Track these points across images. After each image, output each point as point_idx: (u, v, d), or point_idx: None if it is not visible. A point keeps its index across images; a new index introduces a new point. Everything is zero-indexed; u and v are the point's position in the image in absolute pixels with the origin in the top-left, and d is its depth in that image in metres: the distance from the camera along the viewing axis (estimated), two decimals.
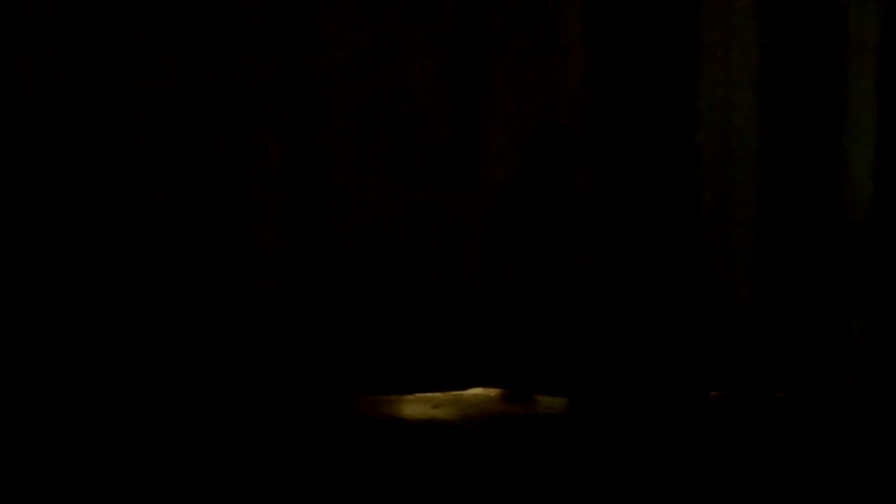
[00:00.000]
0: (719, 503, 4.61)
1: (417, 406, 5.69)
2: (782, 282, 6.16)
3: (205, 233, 5.65)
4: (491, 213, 5.89)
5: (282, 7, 5.76)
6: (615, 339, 5.95)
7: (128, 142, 5.65)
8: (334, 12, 5.80)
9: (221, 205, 5.67)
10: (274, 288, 5.70)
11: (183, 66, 5.68)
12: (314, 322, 5.75)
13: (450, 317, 5.87)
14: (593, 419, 5.68)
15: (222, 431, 5.23)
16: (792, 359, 6.13)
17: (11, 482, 4.37)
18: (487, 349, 5.89)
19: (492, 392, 5.86)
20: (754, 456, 5.13)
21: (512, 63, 5.89)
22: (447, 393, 5.87)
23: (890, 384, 6.14)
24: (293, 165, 5.78)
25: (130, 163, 5.65)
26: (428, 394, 5.88)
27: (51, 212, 5.62)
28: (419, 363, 5.83)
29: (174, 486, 4.49)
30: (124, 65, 5.63)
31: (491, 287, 5.91)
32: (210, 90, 5.71)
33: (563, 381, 5.92)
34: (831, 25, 6.25)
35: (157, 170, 5.66)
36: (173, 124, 5.67)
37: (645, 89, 5.97)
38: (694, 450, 5.15)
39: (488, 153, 5.93)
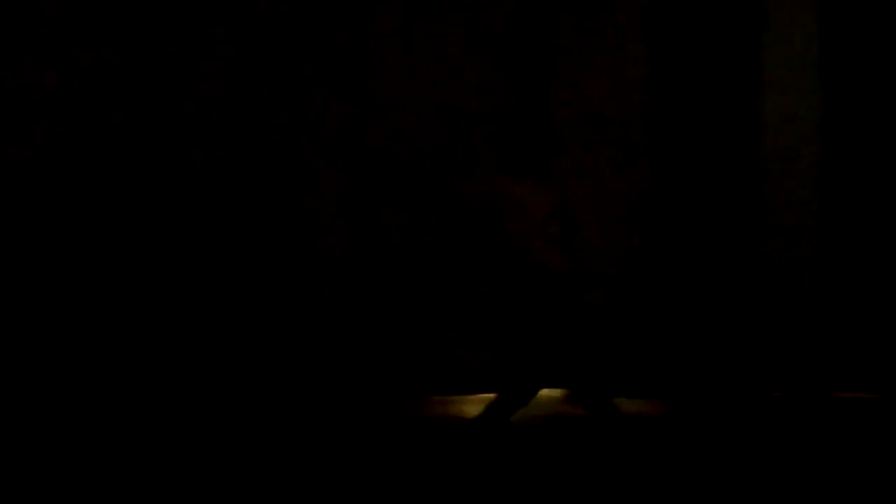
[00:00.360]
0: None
1: (482, 407, 5.62)
2: (847, 284, 6.11)
3: (274, 241, 5.65)
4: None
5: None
6: (680, 341, 5.92)
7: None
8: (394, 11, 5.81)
9: (291, 208, 5.66)
10: (340, 291, 5.70)
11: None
12: (380, 325, 5.74)
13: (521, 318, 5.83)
14: (658, 419, 5.63)
15: (299, 429, 5.19)
16: (858, 360, 6.07)
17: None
18: (556, 350, 5.84)
19: (555, 392, 5.81)
20: (819, 455, 5.08)
21: (575, 63, 5.88)
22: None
23: None
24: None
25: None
26: (493, 395, 5.81)
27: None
28: (482, 364, 5.80)
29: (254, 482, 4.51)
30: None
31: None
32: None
33: (624, 381, 5.88)
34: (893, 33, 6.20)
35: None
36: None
37: (708, 94, 5.94)
38: (760, 449, 5.11)
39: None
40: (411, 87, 6.00)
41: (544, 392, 5.62)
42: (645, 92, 5.84)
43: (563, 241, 4.56)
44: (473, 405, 5.70)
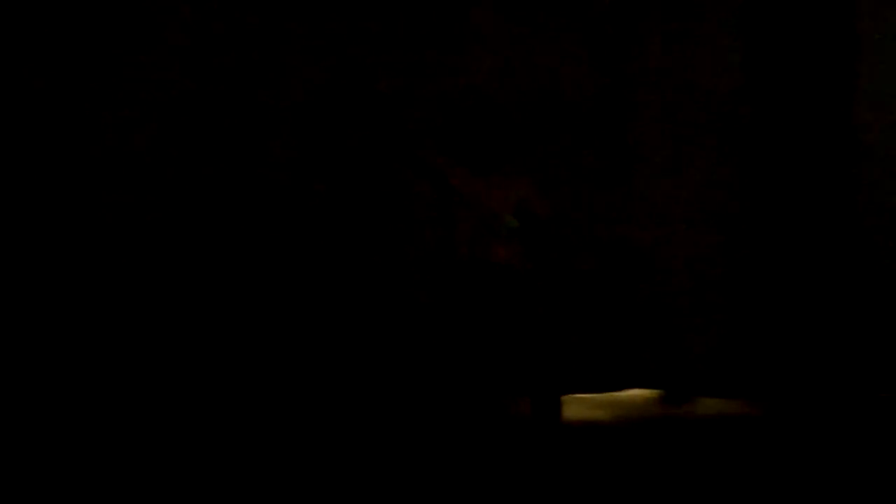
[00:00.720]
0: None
1: (576, 407, 5.67)
2: None
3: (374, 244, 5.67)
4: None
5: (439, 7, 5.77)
6: (782, 341, 5.88)
7: None
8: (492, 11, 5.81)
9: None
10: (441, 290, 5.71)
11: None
12: (476, 325, 5.75)
13: (607, 318, 5.86)
14: (756, 420, 5.61)
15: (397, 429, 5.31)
16: None
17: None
18: (646, 351, 5.86)
19: (650, 393, 5.83)
20: None
21: (665, 61, 5.86)
22: (606, 394, 5.84)
23: None
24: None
25: None
26: (586, 395, 5.85)
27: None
28: (577, 364, 5.82)
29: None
30: None
31: (647, 287, 5.89)
32: None
33: (721, 382, 5.87)
34: None
35: None
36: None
37: (802, 91, 5.90)
38: (863, 451, 5.07)
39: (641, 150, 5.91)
40: (505, 64, 5.95)
41: (638, 393, 5.63)
42: (737, 90, 5.78)
43: (517, 237, 4.57)
44: (571, 405, 5.72)
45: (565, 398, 5.83)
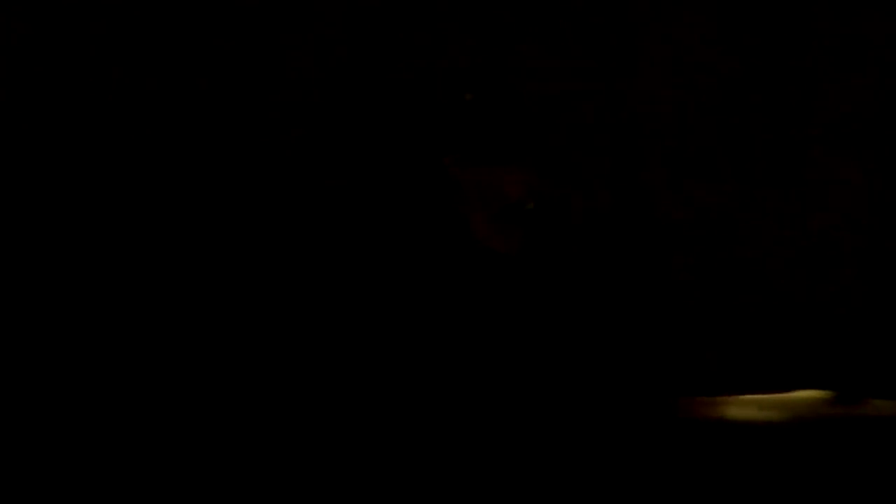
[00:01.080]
0: None
1: (743, 408, 5.63)
2: None
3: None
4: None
5: None
6: None
7: None
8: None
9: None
10: (605, 287, 5.86)
11: None
12: (641, 322, 5.86)
13: (776, 317, 5.77)
14: None
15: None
16: None
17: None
18: (816, 349, 5.71)
19: (820, 394, 5.61)
20: None
21: (829, 69, 5.63)
22: (774, 395, 5.73)
23: None
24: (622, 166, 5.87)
25: None
26: (753, 395, 5.78)
27: None
28: (744, 364, 5.75)
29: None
30: None
31: (817, 285, 5.73)
32: None
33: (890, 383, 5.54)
34: None
35: None
36: None
37: None
38: None
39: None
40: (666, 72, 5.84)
41: (809, 393, 5.60)
42: None
43: (523, 226, 4.52)
44: (737, 406, 5.59)
45: (732, 399, 5.68)
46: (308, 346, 5.68)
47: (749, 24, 5.73)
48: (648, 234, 5.81)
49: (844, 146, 5.57)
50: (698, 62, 5.75)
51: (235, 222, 5.88)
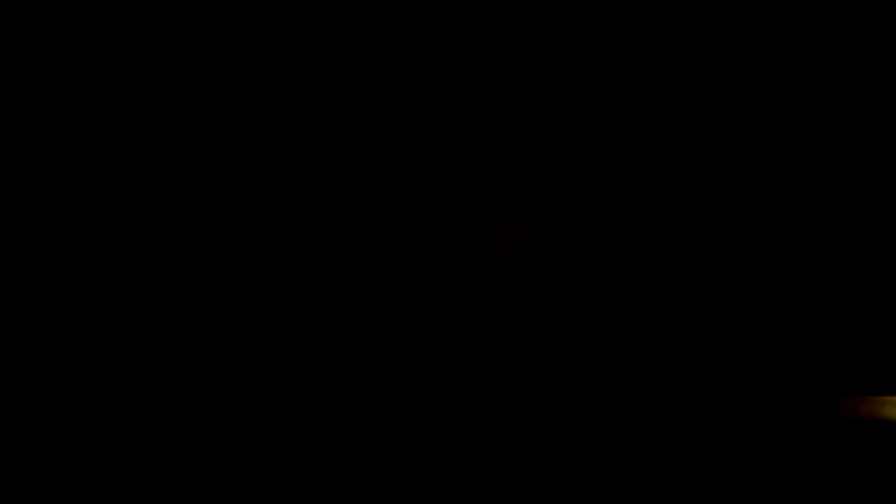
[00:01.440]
0: None
1: None
2: None
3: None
4: None
5: None
6: None
7: None
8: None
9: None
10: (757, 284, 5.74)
11: None
12: (798, 320, 5.73)
13: None
14: None
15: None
16: None
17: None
18: None
19: None
20: None
21: None
22: None
23: None
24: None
25: None
26: None
27: None
28: None
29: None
30: None
31: None
32: None
33: None
34: None
35: None
36: None
37: None
38: None
39: None
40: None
41: None
42: None
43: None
44: (890, 406, 5.46)
45: (885, 399, 5.47)
46: (311, 346, 5.54)
47: None
48: (795, 229, 5.66)
49: None
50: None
51: (240, 225, 5.75)
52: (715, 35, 5.69)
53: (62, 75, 5.67)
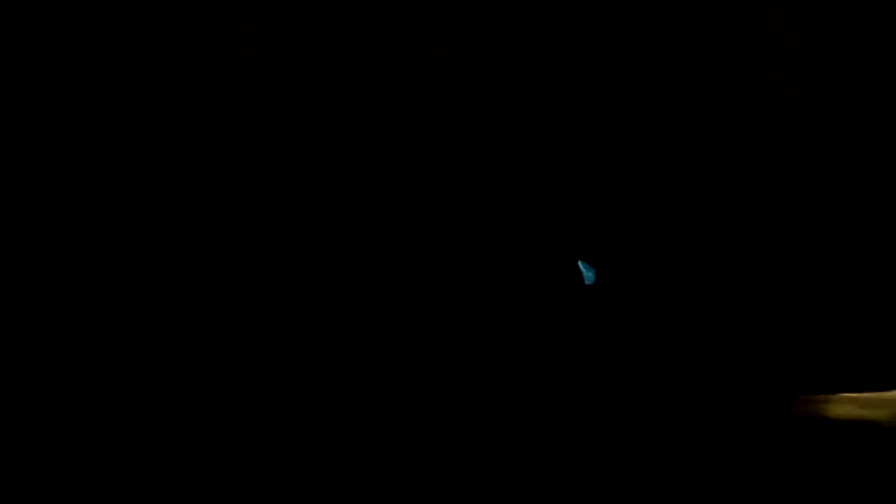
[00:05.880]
0: None
1: (845, 406, 5.54)
2: None
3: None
4: None
5: None
6: None
7: None
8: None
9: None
10: (712, 289, 5.75)
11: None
12: (748, 323, 5.79)
13: (878, 315, 5.67)
14: None
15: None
16: None
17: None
18: None
19: None
20: None
21: None
22: (875, 393, 5.63)
23: None
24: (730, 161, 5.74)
25: None
26: (855, 394, 5.63)
27: None
28: (846, 362, 5.66)
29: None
30: None
31: None
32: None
33: None
34: None
35: None
36: None
37: None
38: None
39: None
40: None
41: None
42: None
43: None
44: (840, 405, 5.53)
45: (833, 397, 5.59)
46: (314, 345, 5.62)
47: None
48: (752, 235, 5.71)
49: None
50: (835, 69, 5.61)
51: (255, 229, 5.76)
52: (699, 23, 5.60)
53: (62, 74, 5.70)
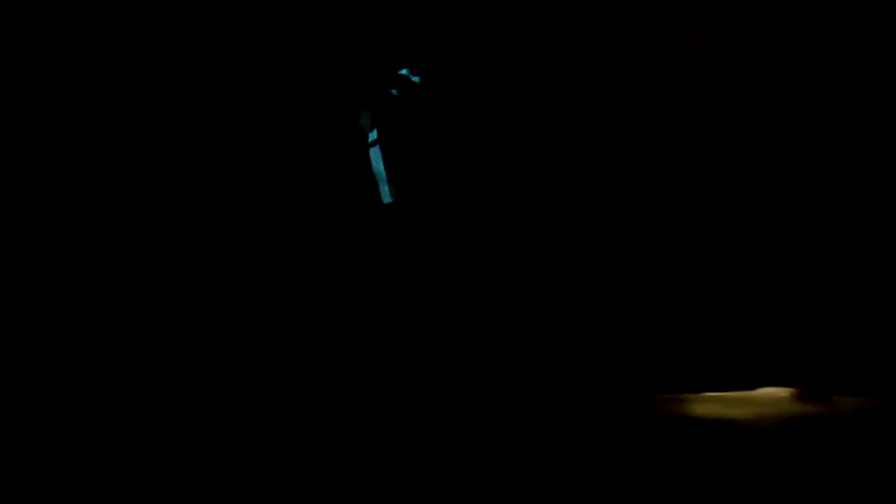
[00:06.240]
0: None
1: (709, 405, 5.65)
2: None
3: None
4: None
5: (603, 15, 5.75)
6: None
7: None
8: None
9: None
10: (575, 286, 5.82)
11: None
12: (612, 321, 5.87)
13: (742, 315, 5.79)
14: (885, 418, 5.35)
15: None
16: None
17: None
18: (781, 347, 5.73)
19: (785, 391, 5.68)
20: None
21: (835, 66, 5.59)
22: (739, 392, 5.75)
23: None
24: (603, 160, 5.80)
25: None
26: (719, 393, 5.75)
27: None
28: (710, 361, 5.77)
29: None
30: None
31: (786, 284, 5.75)
32: None
33: (864, 379, 5.58)
34: None
35: None
36: None
37: None
38: None
39: None
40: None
41: (773, 391, 5.61)
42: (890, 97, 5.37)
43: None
44: (705, 403, 5.68)
45: (697, 396, 5.73)
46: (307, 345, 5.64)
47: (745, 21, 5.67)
48: (620, 234, 5.81)
49: (837, 145, 5.57)
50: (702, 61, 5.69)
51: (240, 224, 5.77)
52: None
53: (59, 76, 5.67)
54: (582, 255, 5.81)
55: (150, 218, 5.77)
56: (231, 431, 5.10)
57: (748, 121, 5.69)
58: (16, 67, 5.70)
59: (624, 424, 5.29)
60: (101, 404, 5.34)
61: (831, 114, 5.61)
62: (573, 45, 5.75)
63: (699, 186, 5.81)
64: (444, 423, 5.17)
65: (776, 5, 5.64)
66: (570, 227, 5.88)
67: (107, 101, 5.69)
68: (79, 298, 5.67)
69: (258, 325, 5.67)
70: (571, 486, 4.56)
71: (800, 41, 5.65)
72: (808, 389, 5.63)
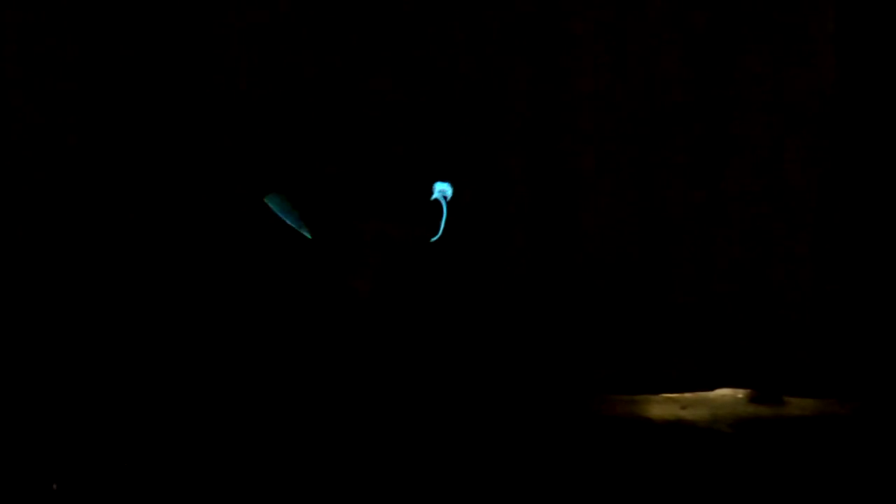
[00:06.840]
0: None
1: (665, 406, 5.71)
2: None
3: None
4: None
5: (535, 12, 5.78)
6: (875, 340, 5.61)
7: None
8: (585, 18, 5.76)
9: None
10: (523, 288, 5.86)
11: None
12: (563, 322, 5.86)
13: (698, 317, 5.83)
14: (849, 420, 5.42)
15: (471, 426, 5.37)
16: None
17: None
18: (736, 349, 5.79)
19: (740, 393, 5.75)
20: None
21: (761, 67, 5.63)
22: (695, 393, 5.81)
23: None
24: (542, 164, 5.84)
25: None
26: (675, 394, 5.83)
27: None
28: (666, 363, 5.82)
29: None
30: None
31: (738, 286, 5.81)
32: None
33: (816, 381, 5.66)
34: None
35: None
36: None
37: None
38: None
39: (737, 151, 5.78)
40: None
41: (728, 392, 5.66)
42: (833, 87, 5.43)
43: (383, 273, 4.88)
44: (660, 405, 5.70)
45: (653, 397, 5.79)
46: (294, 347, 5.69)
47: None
48: (567, 237, 5.84)
49: (779, 138, 5.65)
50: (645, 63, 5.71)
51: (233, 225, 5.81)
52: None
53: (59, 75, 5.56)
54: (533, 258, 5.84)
55: (150, 218, 5.79)
56: (231, 431, 5.08)
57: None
58: (16, 67, 5.62)
59: (578, 425, 5.31)
60: (101, 404, 5.32)
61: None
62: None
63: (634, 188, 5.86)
64: (399, 426, 5.21)
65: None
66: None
67: (107, 101, 5.64)
68: (79, 298, 5.65)
69: (258, 325, 5.68)
70: (521, 488, 4.58)
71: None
72: (763, 390, 5.71)
